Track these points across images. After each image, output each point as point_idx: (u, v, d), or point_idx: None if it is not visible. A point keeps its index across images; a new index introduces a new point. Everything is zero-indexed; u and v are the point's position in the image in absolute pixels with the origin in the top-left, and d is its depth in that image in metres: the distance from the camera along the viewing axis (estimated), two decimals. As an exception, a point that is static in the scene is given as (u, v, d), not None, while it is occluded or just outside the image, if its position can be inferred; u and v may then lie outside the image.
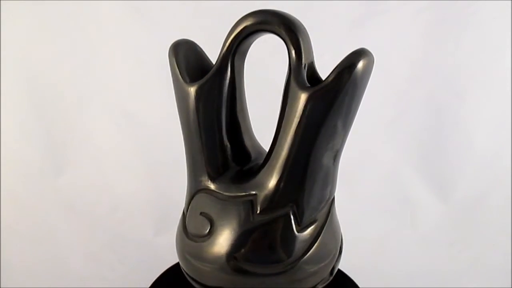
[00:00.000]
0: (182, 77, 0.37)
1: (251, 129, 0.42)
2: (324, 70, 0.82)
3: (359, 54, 0.34)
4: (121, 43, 0.78)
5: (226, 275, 0.37)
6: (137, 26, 0.77)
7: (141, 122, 0.79)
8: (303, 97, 0.34)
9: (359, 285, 0.50)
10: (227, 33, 0.37)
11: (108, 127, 0.79)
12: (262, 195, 0.37)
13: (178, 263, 0.43)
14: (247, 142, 0.41)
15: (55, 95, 0.78)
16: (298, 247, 0.37)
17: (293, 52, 0.35)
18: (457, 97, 0.80)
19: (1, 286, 0.60)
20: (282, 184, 0.36)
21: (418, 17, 0.77)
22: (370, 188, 0.78)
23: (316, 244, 0.38)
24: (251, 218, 0.37)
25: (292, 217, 0.37)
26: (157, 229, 0.71)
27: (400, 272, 0.64)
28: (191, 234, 0.39)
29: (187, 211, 0.40)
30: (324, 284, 0.41)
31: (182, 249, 0.40)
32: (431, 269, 0.65)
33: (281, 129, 0.36)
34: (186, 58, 0.38)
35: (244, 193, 0.37)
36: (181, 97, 0.38)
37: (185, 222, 0.40)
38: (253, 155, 0.41)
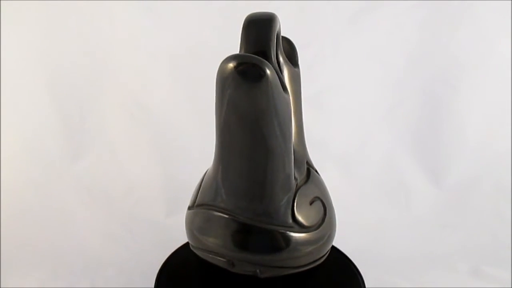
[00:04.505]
0: (283, 89, 0.34)
1: None
2: (325, 61, 0.83)
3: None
4: (134, 37, 0.78)
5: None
6: (150, 20, 0.77)
7: (153, 111, 0.80)
8: (298, 72, 0.41)
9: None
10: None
11: (122, 115, 0.80)
12: (308, 161, 0.41)
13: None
14: None
15: (72, 86, 0.78)
16: None
17: (283, 42, 0.40)
18: (451, 87, 0.80)
19: (23, 266, 0.61)
20: (304, 146, 0.42)
21: (414, 10, 0.77)
22: (367, 173, 0.79)
23: None
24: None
25: None
26: (169, 210, 0.72)
27: (394, 252, 0.65)
28: (303, 225, 0.38)
29: (293, 210, 0.37)
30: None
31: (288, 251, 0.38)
32: (423, 250, 0.66)
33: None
34: None
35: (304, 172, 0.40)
36: (284, 106, 0.34)
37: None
38: None
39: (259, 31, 0.35)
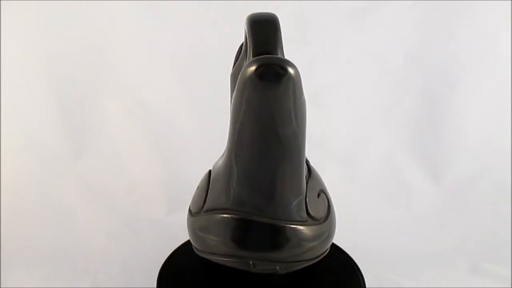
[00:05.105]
0: None
1: None
2: (325, 59, 0.83)
3: None
4: (135, 36, 0.78)
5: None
6: (150, 19, 0.77)
7: (154, 110, 0.80)
8: None
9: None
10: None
11: (123, 114, 0.80)
12: None
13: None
14: None
15: (74, 85, 0.78)
16: None
17: None
18: (450, 85, 0.80)
19: (23, 265, 0.61)
20: None
21: (413, 9, 0.77)
22: (367, 172, 0.79)
23: None
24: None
25: None
26: (170, 209, 0.72)
27: (394, 250, 0.65)
28: (315, 218, 0.38)
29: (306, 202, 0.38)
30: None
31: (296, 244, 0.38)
32: (423, 247, 0.66)
33: None
34: None
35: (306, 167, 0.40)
36: (303, 106, 0.34)
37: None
38: None
39: (267, 32, 0.35)
